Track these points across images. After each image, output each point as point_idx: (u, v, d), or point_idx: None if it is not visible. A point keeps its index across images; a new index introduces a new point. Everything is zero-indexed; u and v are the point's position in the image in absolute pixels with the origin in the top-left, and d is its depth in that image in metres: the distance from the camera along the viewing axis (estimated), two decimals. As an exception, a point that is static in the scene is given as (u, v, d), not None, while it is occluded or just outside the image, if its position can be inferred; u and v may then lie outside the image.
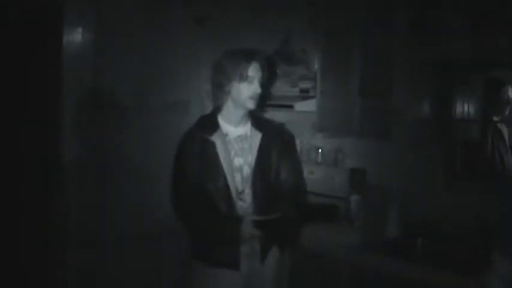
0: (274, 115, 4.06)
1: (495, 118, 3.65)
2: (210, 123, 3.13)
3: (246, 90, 3.05)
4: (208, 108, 3.34)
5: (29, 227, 3.63)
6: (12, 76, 3.55)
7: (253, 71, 3.05)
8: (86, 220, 3.62)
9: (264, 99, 3.27)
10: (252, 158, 3.12)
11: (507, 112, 3.62)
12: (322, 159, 4.50)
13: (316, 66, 4.16)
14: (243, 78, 3.03)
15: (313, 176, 4.41)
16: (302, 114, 4.36)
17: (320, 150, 4.50)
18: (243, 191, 3.09)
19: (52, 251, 3.66)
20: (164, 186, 3.20)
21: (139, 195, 3.83)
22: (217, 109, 3.16)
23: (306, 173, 4.30)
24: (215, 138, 3.06)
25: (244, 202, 3.09)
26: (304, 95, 4.21)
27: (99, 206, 3.70)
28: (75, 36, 3.60)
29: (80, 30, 3.61)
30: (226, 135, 3.11)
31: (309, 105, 4.13)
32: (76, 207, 3.60)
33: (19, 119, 3.60)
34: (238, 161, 3.10)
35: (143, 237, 3.83)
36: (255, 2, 4.29)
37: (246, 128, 3.17)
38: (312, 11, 4.21)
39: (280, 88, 4.35)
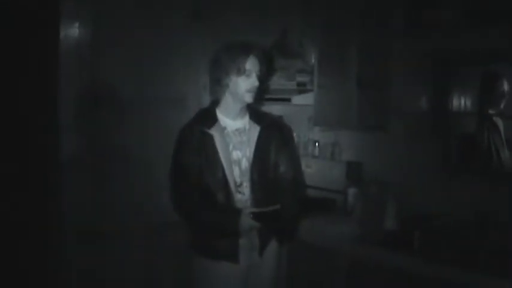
0: (271, 108, 4.07)
1: (491, 111, 3.66)
2: (208, 117, 3.14)
3: (243, 83, 3.06)
4: (206, 102, 3.34)
5: (26, 223, 3.62)
6: (9, 72, 3.54)
7: (251, 64, 3.05)
8: (85, 215, 3.62)
9: (261, 93, 3.27)
10: (250, 151, 3.13)
11: (502, 105, 3.62)
12: (319, 152, 4.51)
13: (313, 59, 4.17)
14: (241, 71, 3.04)
15: (311, 169, 4.43)
16: (299, 107, 4.38)
17: (317, 144, 4.51)
18: (241, 184, 3.11)
19: (51, 247, 3.66)
20: (163, 179, 3.20)
21: (138, 189, 3.82)
22: (215, 103, 3.18)
23: (303, 167, 4.33)
24: (213, 132, 3.07)
25: (243, 195, 3.11)
26: (302, 88, 4.22)
27: (98, 201, 3.70)
28: (72, 31, 3.59)
29: (76, 25, 3.60)
30: (224, 128, 3.12)
31: (306, 99, 4.15)
32: (74, 203, 3.60)
33: (16, 115, 3.59)
34: (236, 154, 3.12)
35: (142, 231, 3.83)
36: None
37: (244, 121, 3.18)
38: (309, 5, 4.22)
39: (277, 81, 4.35)
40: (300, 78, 4.26)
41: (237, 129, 3.16)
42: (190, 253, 3.19)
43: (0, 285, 3.58)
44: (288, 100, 4.18)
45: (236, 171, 3.11)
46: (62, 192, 3.59)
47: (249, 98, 3.09)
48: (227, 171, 3.07)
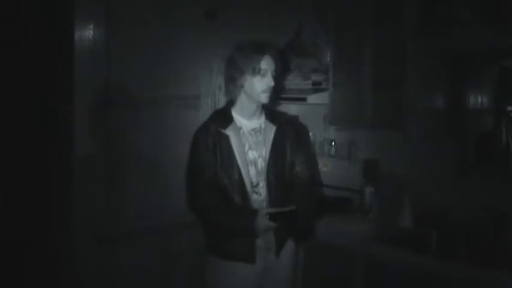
0: (287, 108, 4.06)
1: (509, 108, 3.63)
2: (224, 117, 3.14)
3: (258, 83, 3.05)
4: (220, 102, 3.34)
5: (40, 225, 3.64)
6: (24, 73, 3.56)
7: (266, 64, 3.05)
8: (97, 216, 3.62)
9: (276, 92, 3.26)
10: (266, 151, 3.12)
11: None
12: (336, 151, 4.49)
13: (328, 58, 4.16)
14: (256, 71, 3.03)
15: (327, 168, 4.41)
16: (315, 107, 4.36)
17: (333, 143, 4.49)
18: (257, 184, 3.10)
19: (64, 248, 3.67)
20: (176, 180, 3.21)
21: (151, 190, 3.83)
22: (231, 103, 3.17)
23: (319, 166, 4.31)
24: (229, 132, 3.07)
25: (259, 195, 3.10)
26: (317, 87, 4.21)
27: (111, 202, 3.70)
28: (87, 33, 3.60)
29: (91, 26, 3.61)
30: (240, 128, 3.12)
31: (321, 98, 4.13)
32: (87, 204, 3.60)
33: (31, 116, 3.61)
34: (252, 154, 3.11)
35: (156, 232, 3.83)
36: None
37: (260, 121, 3.18)
38: (324, 4, 4.21)
39: (293, 81, 4.34)
40: (315, 78, 4.24)
41: (252, 129, 3.15)
42: (205, 254, 3.19)
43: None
44: (304, 99, 4.16)
45: (252, 171, 3.10)
46: (75, 193, 3.59)
47: (264, 98, 3.08)
48: (243, 172, 3.06)
